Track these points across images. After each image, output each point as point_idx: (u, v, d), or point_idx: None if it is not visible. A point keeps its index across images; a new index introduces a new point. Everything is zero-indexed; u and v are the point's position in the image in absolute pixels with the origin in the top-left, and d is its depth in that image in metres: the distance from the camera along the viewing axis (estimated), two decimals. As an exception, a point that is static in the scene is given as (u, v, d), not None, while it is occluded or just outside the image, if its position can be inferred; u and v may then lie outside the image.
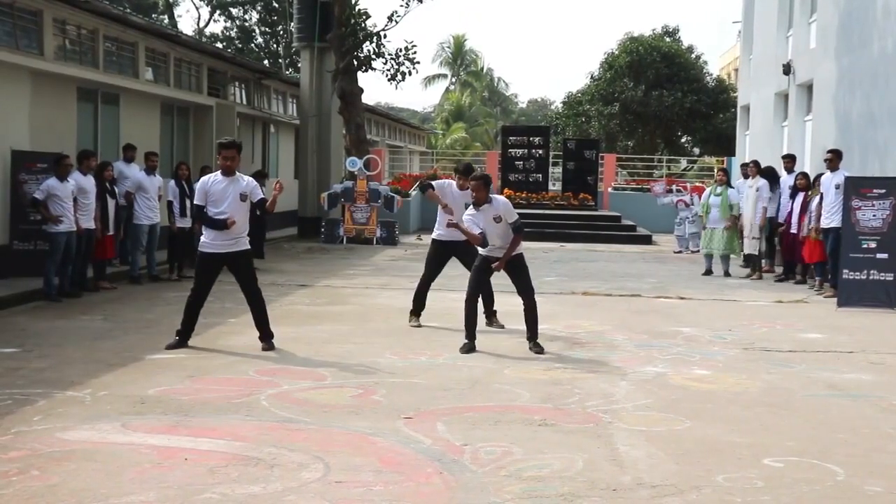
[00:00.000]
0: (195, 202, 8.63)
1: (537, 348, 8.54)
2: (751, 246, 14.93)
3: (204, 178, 8.65)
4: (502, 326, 9.83)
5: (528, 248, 20.14)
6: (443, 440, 5.62)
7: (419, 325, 9.80)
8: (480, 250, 8.84)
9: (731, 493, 4.80)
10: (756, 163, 15.52)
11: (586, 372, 7.75)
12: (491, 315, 9.96)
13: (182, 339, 8.42)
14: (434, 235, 10.05)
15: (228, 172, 8.42)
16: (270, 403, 6.45)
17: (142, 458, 5.17)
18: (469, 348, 8.50)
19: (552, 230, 22.61)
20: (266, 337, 8.46)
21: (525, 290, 8.72)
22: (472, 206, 8.79)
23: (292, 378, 7.27)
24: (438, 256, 10.02)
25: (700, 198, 17.41)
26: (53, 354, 7.99)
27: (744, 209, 14.96)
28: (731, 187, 15.44)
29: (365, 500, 4.59)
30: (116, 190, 12.80)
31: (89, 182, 11.79)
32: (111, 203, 12.48)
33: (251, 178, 8.80)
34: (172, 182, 13.54)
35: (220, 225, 8.28)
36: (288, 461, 5.15)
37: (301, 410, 6.28)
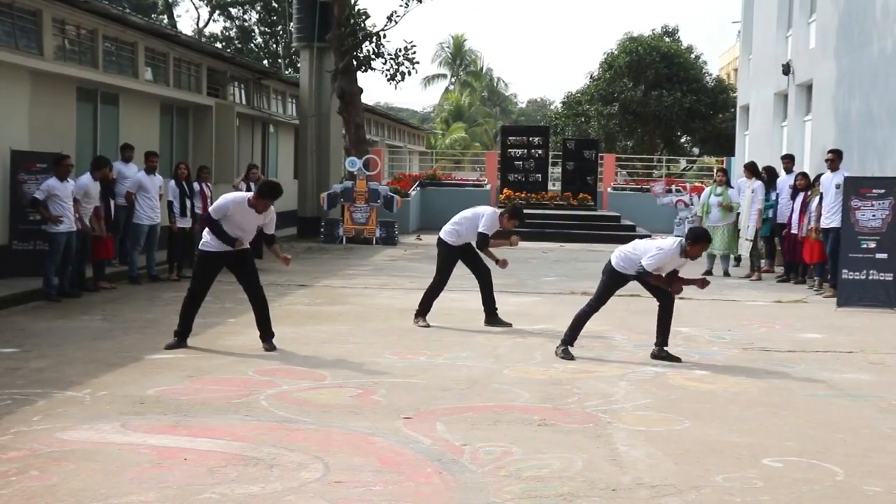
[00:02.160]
0: (213, 217, 8.33)
1: (663, 354, 8.28)
2: (745, 247, 14.94)
3: (229, 198, 8.38)
4: (510, 325, 9.83)
5: (527, 248, 20.26)
6: (442, 440, 5.62)
7: (427, 325, 9.79)
8: (616, 265, 8.26)
9: (731, 492, 4.80)
10: (751, 165, 15.50)
11: (586, 372, 7.75)
12: (492, 314, 9.95)
13: (181, 338, 8.41)
14: (443, 237, 9.95)
15: (259, 209, 8.31)
16: (270, 403, 6.45)
17: (141, 458, 5.17)
18: (569, 355, 8.24)
19: (552, 230, 22.61)
20: (267, 337, 8.44)
21: (663, 293, 8.32)
22: (678, 255, 8.01)
23: (292, 378, 7.27)
24: (452, 259, 9.98)
25: (700, 198, 17.41)
26: (53, 354, 7.99)
27: (741, 210, 14.98)
28: (731, 187, 15.44)
29: (364, 500, 4.59)
30: (117, 190, 12.81)
31: (97, 187, 11.83)
32: (110, 203, 12.48)
33: (272, 210, 8.47)
34: (172, 182, 13.55)
35: (230, 243, 8.27)
36: (287, 461, 5.15)
37: (300, 410, 6.28)
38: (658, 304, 8.42)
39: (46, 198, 11.13)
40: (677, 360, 8.24)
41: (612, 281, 8.40)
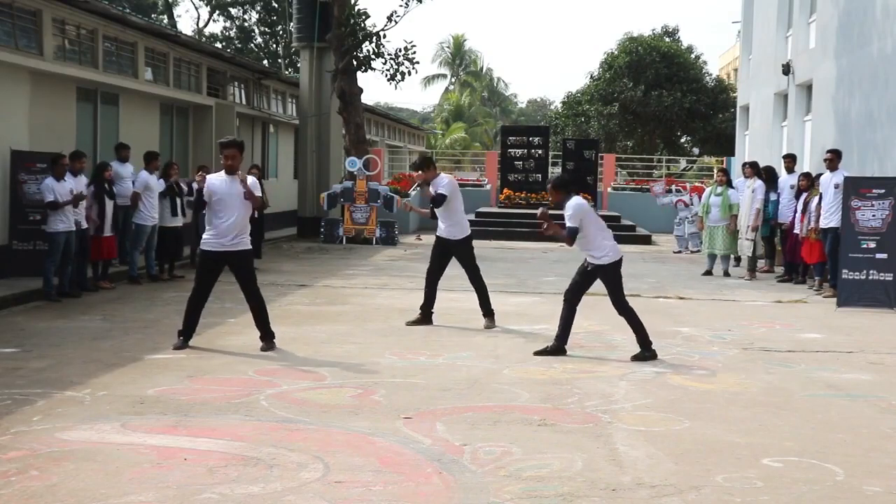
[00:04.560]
0: (203, 199, 8.54)
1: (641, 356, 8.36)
2: (745, 247, 14.95)
3: (210, 177, 8.71)
4: (490, 327, 9.82)
5: (527, 247, 20.27)
6: (442, 440, 5.63)
7: (415, 324, 9.79)
8: (587, 257, 8.63)
9: (731, 492, 4.80)
10: (752, 164, 15.51)
11: (585, 372, 7.75)
12: (489, 315, 9.95)
13: (185, 338, 8.41)
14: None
15: (231, 171, 8.46)
16: (270, 403, 6.45)
17: (141, 458, 5.17)
18: (555, 349, 8.36)
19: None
20: (266, 337, 8.45)
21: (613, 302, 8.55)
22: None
23: (292, 378, 7.27)
24: (435, 247, 10.13)
25: (700, 198, 17.42)
26: (52, 354, 7.99)
27: (741, 209, 14.97)
28: (732, 187, 15.44)
29: (364, 500, 4.59)
30: (115, 190, 12.80)
31: (80, 183, 11.83)
32: (109, 203, 12.46)
33: (252, 177, 8.81)
34: (161, 180, 13.57)
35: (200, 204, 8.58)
36: (287, 461, 5.15)
37: (300, 410, 6.28)
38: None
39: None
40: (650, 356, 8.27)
41: (581, 271, 8.67)
